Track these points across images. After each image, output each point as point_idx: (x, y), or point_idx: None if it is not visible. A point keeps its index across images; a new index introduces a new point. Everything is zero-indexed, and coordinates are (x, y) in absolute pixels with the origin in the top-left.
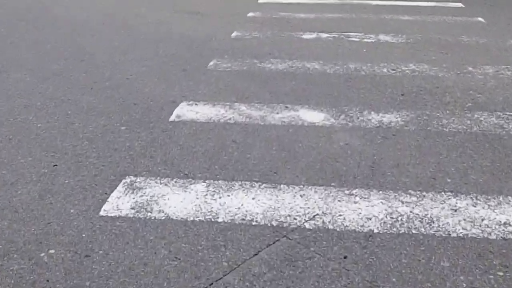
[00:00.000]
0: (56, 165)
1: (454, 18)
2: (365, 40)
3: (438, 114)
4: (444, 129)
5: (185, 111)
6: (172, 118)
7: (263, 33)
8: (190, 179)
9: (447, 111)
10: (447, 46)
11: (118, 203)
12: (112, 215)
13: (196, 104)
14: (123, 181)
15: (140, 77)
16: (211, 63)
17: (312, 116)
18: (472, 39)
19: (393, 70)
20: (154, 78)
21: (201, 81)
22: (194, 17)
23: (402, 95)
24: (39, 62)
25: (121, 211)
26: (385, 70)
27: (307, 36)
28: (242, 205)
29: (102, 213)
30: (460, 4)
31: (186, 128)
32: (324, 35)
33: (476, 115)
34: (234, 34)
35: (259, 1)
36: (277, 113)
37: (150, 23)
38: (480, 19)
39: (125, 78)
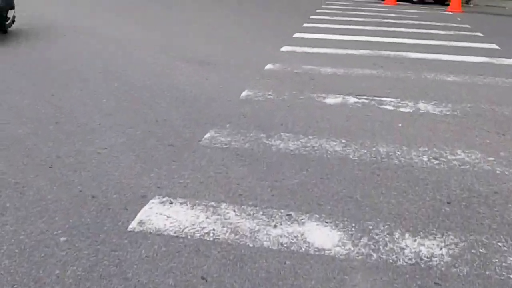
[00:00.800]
0: None
1: (509, 81)
2: (401, 109)
3: (499, 244)
4: (511, 276)
5: (153, 214)
6: (132, 225)
7: (279, 93)
8: None
9: None
10: (504, 123)
11: None
12: None
13: (170, 203)
14: None
15: (115, 153)
16: (207, 135)
17: (322, 235)
18: None
19: (436, 159)
20: (131, 155)
21: (187, 164)
22: (204, 68)
23: (448, 203)
24: (7, 122)
25: None
26: (425, 158)
27: (330, 100)
28: None
29: None
30: None
31: (146, 246)
32: (351, 100)
33: None
34: (244, 94)
35: (281, 49)
36: (275, 225)
37: (151, 75)
38: None
39: (96, 152)
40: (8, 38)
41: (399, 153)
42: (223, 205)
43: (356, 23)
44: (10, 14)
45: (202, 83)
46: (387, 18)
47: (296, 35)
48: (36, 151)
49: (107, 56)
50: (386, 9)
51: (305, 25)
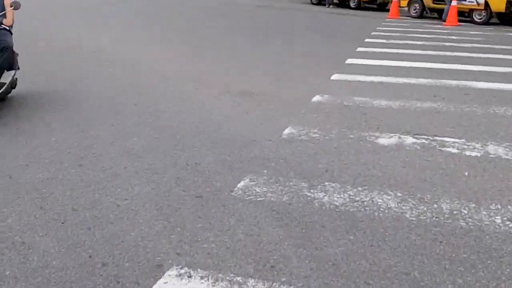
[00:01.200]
0: None
1: None
2: (467, 152)
3: None
4: None
5: None
6: None
7: (326, 131)
8: None
9: None
10: None
11: None
12: None
13: (189, 276)
14: None
15: (136, 206)
16: (241, 184)
17: None
18: None
19: (511, 221)
20: (153, 208)
21: (214, 223)
22: (245, 100)
23: None
24: (27, 166)
25: None
26: (498, 220)
27: (384, 140)
28: None
29: None
30: None
31: None
32: (409, 140)
33: None
34: (286, 132)
35: (332, 78)
36: None
37: (188, 108)
38: None
39: (115, 205)
40: (44, 68)
41: (465, 212)
42: (251, 281)
43: (414, 47)
44: (6, 78)
45: (241, 118)
46: (448, 41)
47: (349, 61)
48: (51, 201)
49: (143, 88)
50: (448, 31)
51: (359, 49)
